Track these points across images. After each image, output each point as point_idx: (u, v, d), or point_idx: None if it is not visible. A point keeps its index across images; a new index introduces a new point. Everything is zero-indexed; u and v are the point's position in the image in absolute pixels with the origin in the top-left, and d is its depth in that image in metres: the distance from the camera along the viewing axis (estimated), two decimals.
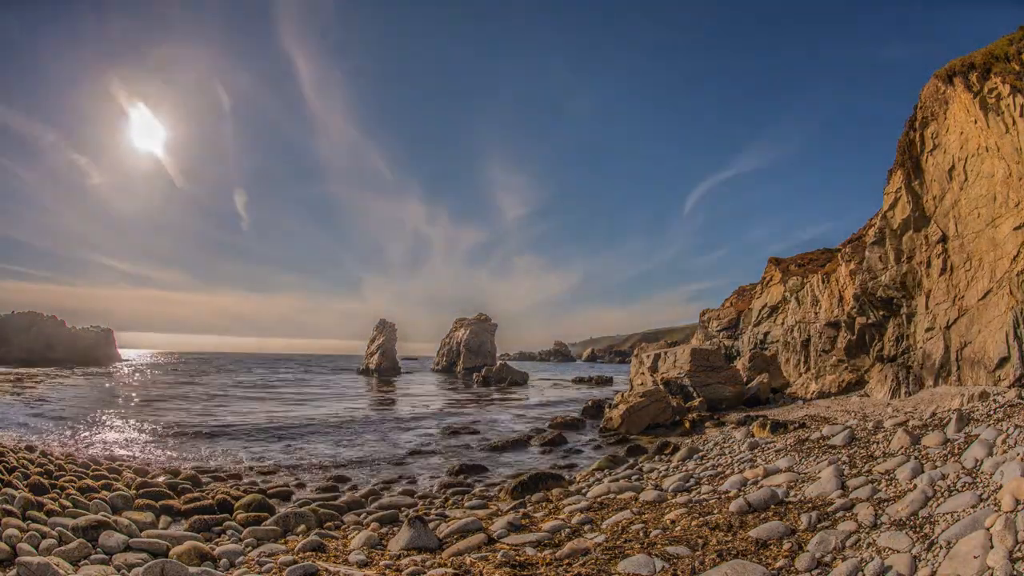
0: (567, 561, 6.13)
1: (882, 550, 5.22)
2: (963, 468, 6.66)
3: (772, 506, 7.16)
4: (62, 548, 6.50)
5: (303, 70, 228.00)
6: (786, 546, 5.75)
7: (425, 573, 5.94)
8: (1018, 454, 6.30)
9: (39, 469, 10.96)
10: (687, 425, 18.91)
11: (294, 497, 11.27)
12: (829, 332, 24.48)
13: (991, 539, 4.62)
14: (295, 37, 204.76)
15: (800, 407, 20.25)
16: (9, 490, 8.51)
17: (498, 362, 65.02)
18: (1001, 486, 5.66)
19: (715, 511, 7.41)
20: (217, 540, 8.03)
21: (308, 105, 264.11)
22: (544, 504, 9.66)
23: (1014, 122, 13.40)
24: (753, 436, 13.43)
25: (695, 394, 22.83)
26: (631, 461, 13.31)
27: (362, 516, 9.59)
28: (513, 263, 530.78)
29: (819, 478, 7.90)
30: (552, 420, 22.85)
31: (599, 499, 9.29)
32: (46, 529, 7.09)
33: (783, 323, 28.84)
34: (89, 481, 10.55)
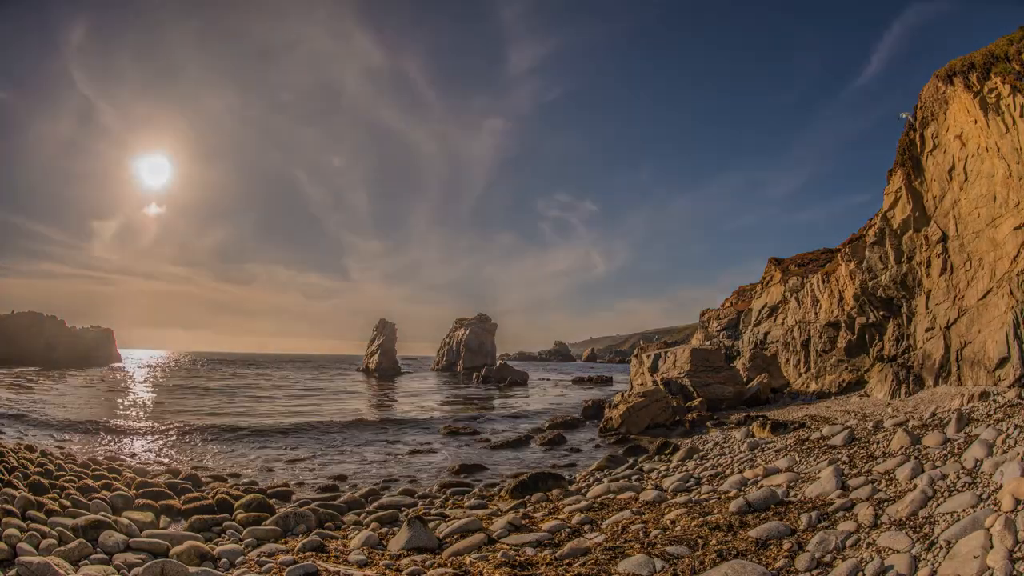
0: (567, 561, 6.13)
1: (882, 550, 5.21)
2: (963, 468, 6.66)
3: (772, 506, 7.16)
4: (62, 548, 6.50)
5: None
6: (786, 546, 5.75)
7: (425, 573, 5.94)
8: (1018, 454, 6.29)
9: (39, 469, 10.94)
10: (687, 425, 18.91)
11: (294, 497, 11.26)
12: (829, 332, 24.48)
13: (991, 539, 4.61)
14: None
15: (800, 407, 20.24)
16: (9, 490, 8.49)
17: (498, 362, 65.03)
18: (1001, 486, 5.66)
19: (715, 511, 7.41)
20: (217, 540, 8.02)
21: None
22: (544, 504, 9.66)
23: (1014, 122, 13.39)
24: (753, 436, 13.43)
25: (695, 394, 22.82)
26: (631, 461, 13.31)
27: (362, 516, 9.58)
28: (536, 216, 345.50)
29: (819, 478, 7.90)
30: (552, 420, 22.86)
31: (599, 499, 9.30)
32: (46, 529, 7.08)
33: (783, 323, 28.83)
34: (89, 481, 10.54)
